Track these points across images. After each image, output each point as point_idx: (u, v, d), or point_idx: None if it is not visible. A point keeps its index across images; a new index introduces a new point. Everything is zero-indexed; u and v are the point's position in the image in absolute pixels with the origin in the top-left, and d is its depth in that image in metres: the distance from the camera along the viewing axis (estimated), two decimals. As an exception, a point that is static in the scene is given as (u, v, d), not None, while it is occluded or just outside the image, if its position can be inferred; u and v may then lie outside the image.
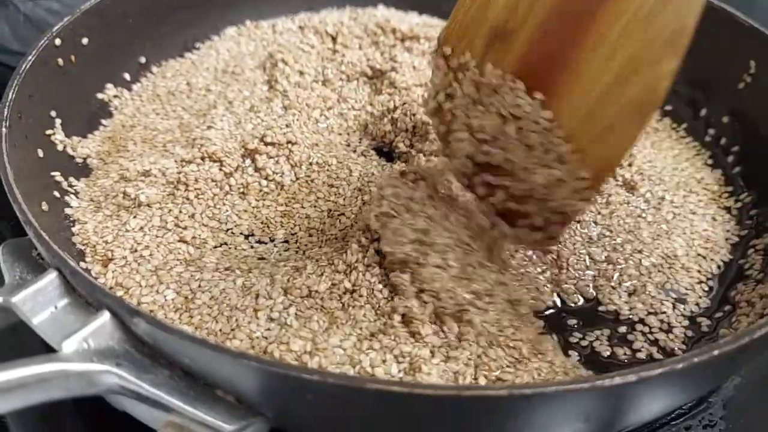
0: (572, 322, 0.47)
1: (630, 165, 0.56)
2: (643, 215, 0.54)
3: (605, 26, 0.39)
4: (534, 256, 0.50)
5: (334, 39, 0.68)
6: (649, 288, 0.48)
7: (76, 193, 0.52)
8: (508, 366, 0.41)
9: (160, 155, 0.54)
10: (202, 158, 0.54)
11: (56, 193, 0.50)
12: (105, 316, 0.36)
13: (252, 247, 0.50)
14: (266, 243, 0.51)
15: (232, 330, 0.42)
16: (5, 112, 0.47)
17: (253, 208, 0.53)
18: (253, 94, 0.62)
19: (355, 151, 0.59)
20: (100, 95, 0.60)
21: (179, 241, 0.49)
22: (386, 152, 0.60)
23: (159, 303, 0.44)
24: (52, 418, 0.45)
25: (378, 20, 0.69)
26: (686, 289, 0.49)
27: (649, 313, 0.47)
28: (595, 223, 0.53)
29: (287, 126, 0.58)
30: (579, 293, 0.48)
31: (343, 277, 0.45)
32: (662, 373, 0.33)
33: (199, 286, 0.45)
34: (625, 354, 0.44)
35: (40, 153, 0.51)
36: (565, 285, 0.48)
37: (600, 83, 0.39)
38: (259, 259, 0.49)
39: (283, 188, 0.54)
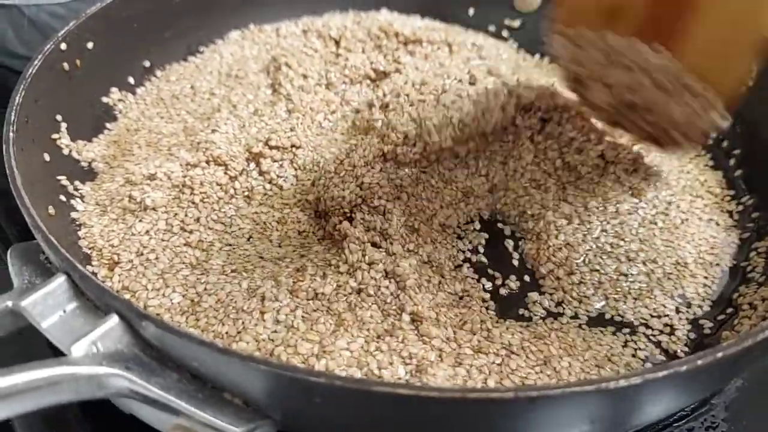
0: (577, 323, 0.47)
1: (635, 171, 0.56)
2: (654, 221, 0.53)
3: None
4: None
5: (337, 43, 0.68)
6: (656, 293, 0.48)
7: (81, 197, 0.52)
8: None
9: (165, 159, 0.54)
10: (207, 162, 0.54)
11: (62, 197, 0.51)
12: (113, 320, 0.37)
13: (254, 246, 0.50)
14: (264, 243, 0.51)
15: (239, 333, 0.43)
16: (12, 117, 0.47)
17: (253, 213, 0.53)
18: (257, 98, 0.62)
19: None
20: (105, 99, 0.60)
21: (185, 244, 0.49)
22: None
23: (165, 306, 0.45)
24: (58, 421, 0.45)
25: (381, 24, 0.69)
26: (691, 293, 0.49)
27: (653, 316, 0.47)
28: (605, 231, 0.52)
29: (291, 129, 0.58)
30: (586, 302, 0.49)
31: (348, 278, 0.46)
32: (667, 375, 0.33)
33: (205, 288, 0.46)
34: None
35: (47, 157, 0.51)
36: (572, 294, 0.49)
37: (711, 38, 0.47)
38: (260, 258, 0.49)
39: (282, 190, 0.55)
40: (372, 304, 0.45)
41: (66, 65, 0.55)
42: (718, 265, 0.51)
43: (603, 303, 0.49)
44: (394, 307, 0.45)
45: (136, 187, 0.52)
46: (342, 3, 0.74)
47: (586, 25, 0.51)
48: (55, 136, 0.53)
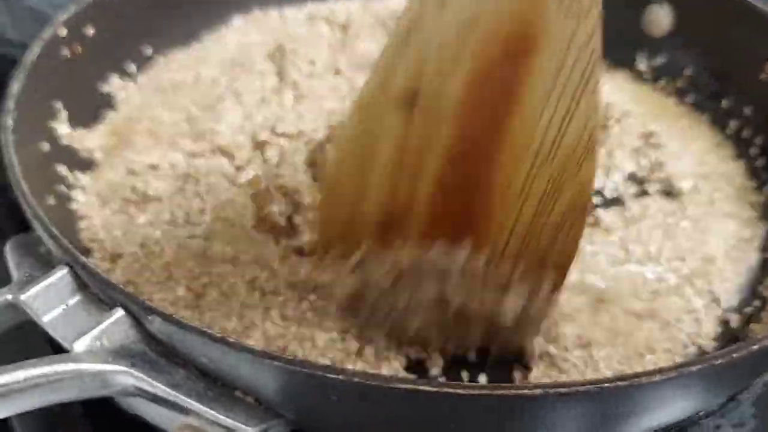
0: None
1: (658, 161, 0.55)
2: (678, 216, 0.52)
3: (510, 167, 0.35)
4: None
5: (345, 28, 0.67)
6: (686, 290, 0.47)
7: (82, 188, 0.50)
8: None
9: (168, 148, 0.53)
10: (212, 151, 0.52)
11: (62, 188, 0.49)
12: (119, 314, 0.35)
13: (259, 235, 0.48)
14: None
15: (246, 329, 0.41)
16: (10, 104, 0.45)
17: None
18: (263, 86, 0.61)
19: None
20: (105, 87, 0.59)
21: (190, 236, 0.47)
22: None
23: (170, 300, 0.43)
24: (59, 420, 0.44)
25: (389, 9, 0.68)
26: (718, 288, 0.47)
27: (684, 313, 0.45)
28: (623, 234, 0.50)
29: (298, 117, 0.56)
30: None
31: None
32: (701, 369, 0.32)
33: (210, 281, 0.44)
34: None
35: (46, 146, 0.50)
36: None
37: (525, 211, 0.36)
38: (264, 247, 0.47)
39: None
40: None
41: (66, 52, 0.53)
42: (743, 258, 0.50)
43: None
44: None
45: (139, 177, 0.50)
46: (348, -12, 0.72)
47: (358, 246, 0.38)
48: (54, 124, 0.52)
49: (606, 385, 0.31)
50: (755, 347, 0.33)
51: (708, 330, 0.45)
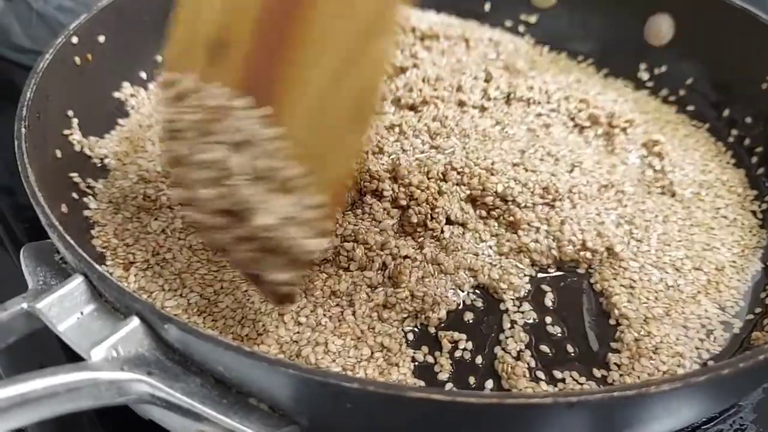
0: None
1: (663, 170, 0.55)
2: (687, 223, 0.52)
3: (311, 21, 0.35)
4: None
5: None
6: (699, 297, 0.47)
7: (94, 195, 0.51)
8: None
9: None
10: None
11: (74, 195, 0.49)
12: (134, 323, 0.35)
13: None
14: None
15: (260, 335, 0.42)
16: (24, 112, 0.45)
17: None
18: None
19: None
20: (116, 94, 0.59)
21: (202, 243, 0.48)
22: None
23: (183, 307, 0.43)
24: (73, 427, 0.44)
25: (396, 19, 0.68)
26: (726, 296, 0.48)
27: (697, 320, 0.46)
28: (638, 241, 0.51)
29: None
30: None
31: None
32: (708, 379, 0.33)
33: (222, 287, 0.45)
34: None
35: (58, 153, 0.50)
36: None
37: (318, 86, 0.35)
38: None
39: None
40: None
41: (77, 59, 0.54)
42: (748, 265, 0.50)
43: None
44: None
45: (151, 184, 0.51)
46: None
47: (192, 67, 0.37)
48: (66, 131, 0.52)
49: (615, 394, 0.31)
50: (762, 357, 0.34)
51: (716, 335, 0.45)
